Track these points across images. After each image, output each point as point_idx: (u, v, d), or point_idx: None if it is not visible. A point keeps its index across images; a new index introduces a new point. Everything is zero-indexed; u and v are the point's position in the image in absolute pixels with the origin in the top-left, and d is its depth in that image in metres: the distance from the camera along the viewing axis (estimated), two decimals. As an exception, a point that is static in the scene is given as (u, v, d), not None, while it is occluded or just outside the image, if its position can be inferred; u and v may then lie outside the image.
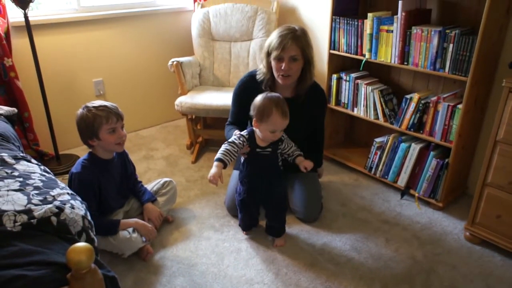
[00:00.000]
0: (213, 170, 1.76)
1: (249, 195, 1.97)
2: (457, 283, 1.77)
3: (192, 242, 2.03)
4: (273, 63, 1.95)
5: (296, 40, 1.89)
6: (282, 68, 1.92)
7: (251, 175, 1.92)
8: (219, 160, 1.80)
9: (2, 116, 1.99)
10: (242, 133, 1.88)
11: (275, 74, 1.98)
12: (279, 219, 2.02)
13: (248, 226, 2.08)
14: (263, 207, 2.05)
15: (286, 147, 1.93)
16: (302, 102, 2.05)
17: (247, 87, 2.09)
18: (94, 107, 1.78)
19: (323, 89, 2.16)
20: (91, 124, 1.76)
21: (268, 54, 1.96)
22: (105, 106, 1.79)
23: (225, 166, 1.80)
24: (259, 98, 1.82)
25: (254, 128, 1.86)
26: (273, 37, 1.93)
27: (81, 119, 1.78)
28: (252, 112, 1.83)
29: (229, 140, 1.86)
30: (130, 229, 1.86)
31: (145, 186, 2.14)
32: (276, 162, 1.94)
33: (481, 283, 1.77)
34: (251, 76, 2.12)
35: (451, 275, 1.82)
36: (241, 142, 1.84)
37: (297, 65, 1.94)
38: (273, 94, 1.84)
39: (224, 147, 1.84)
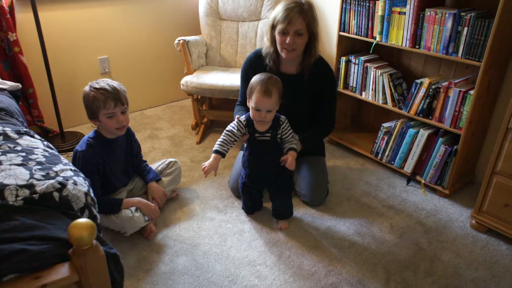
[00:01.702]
0: (211, 161, 1.76)
1: (250, 179, 1.96)
2: (461, 270, 1.76)
3: (195, 222, 2.03)
4: (277, 37, 1.92)
5: (302, 14, 1.85)
6: (287, 42, 1.88)
7: (251, 160, 1.90)
8: (216, 152, 1.79)
9: (6, 91, 1.97)
10: (240, 118, 1.85)
11: (279, 48, 1.95)
12: (283, 202, 2.01)
13: (251, 209, 2.07)
14: (267, 190, 2.04)
15: (284, 132, 1.87)
16: (307, 79, 2.02)
17: (253, 65, 2.07)
18: (95, 88, 1.73)
19: (328, 64, 2.09)
20: (91, 106, 1.74)
21: (273, 27, 1.92)
22: (105, 90, 1.72)
23: (223, 156, 1.80)
24: (254, 76, 1.80)
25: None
26: (279, 10, 1.89)
27: (84, 98, 1.76)
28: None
29: (228, 128, 1.84)
30: (133, 208, 1.85)
31: (150, 165, 2.13)
32: (277, 147, 1.89)
33: (485, 272, 1.75)
34: (257, 54, 2.09)
35: (455, 262, 1.80)
36: (239, 129, 1.82)
37: (301, 40, 1.90)
38: (269, 74, 1.81)
39: (222, 137, 1.82)
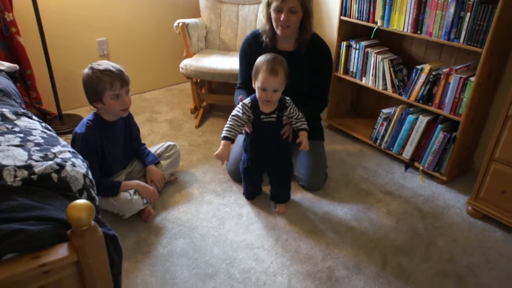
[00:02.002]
0: (221, 148, 1.75)
1: (253, 163, 1.95)
2: (456, 256, 1.78)
3: (194, 205, 2.03)
4: (272, 14, 1.95)
5: None
6: (281, 19, 1.91)
7: (255, 143, 1.90)
8: (225, 138, 1.78)
9: (3, 72, 1.96)
10: (245, 101, 1.83)
11: (274, 25, 1.98)
12: (283, 186, 2.02)
13: (252, 194, 2.08)
14: (267, 174, 2.04)
15: (292, 112, 1.86)
16: (304, 55, 2.05)
17: (251, 44, 2.11)
18: (99, 70, 1.71)
19: (324, 41, 2.12)
20: (95, 88, 1.72)
21: (268, 4, 1.96)
22: (110, 71, 1.72)
23: (232, 142, 1.80)
24: (260, 56, 1.80)
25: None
26: None
27: (86, 80, 1.74)
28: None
29: (233, 113, 1.82)
30: (132, 191, 1.85)
31: (149, 149, 2.12)
32: (282, 130, 1.90)
33: (480, 257, 1.77)
34: (254, 34, 2.12)
35: (451, 248, 1.82)
36: (244, 112, 1.81)
37: (296, 17, 1.93)
38: (274, 54, 1.80)
39: (229, 122, 1.81)
